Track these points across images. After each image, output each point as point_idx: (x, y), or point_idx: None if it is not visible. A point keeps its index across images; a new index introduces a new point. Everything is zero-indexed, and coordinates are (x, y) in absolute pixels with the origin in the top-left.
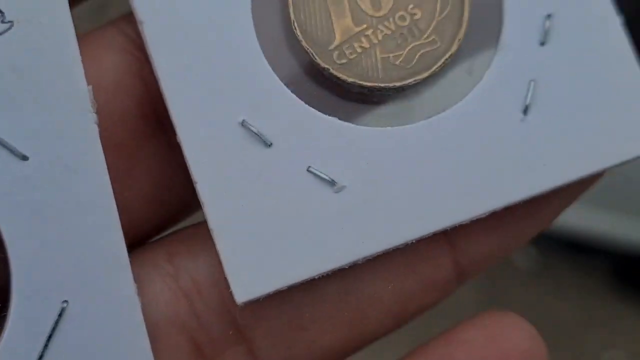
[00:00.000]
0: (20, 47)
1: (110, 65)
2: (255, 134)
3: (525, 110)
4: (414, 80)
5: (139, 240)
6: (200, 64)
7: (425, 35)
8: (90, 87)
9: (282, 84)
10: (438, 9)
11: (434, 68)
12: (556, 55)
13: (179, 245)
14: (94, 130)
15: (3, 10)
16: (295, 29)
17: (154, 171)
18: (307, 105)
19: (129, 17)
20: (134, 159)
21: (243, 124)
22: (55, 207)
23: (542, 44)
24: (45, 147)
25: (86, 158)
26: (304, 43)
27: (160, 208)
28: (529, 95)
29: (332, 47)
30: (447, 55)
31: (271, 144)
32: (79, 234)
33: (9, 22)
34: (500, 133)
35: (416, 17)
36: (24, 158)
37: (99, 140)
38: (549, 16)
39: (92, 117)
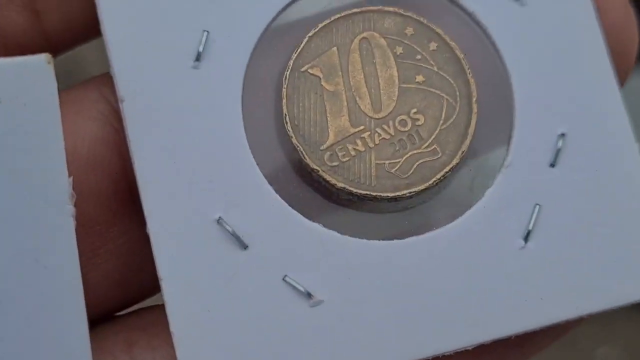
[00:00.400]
0: (0, 128)
1: (87, 136)
2: (231, 234)
3: (527, 237)
4: (409, 192)
5: (100, 316)
6: (179, 151)
7: (426, 144)
8: (71, 178)
9: (265, 181)
10: (443, 116)
11: (431, 181)
12: (565, 178)
13: (139, 334)
14: (70, 224)
15: None
16: (286, 123)
17: (123, 251)
18: (290, 207)
19: (112, 78)
20: (102, 237)
21: (219, 221)
22: (19, 302)
23: (552, 165)
24: (14, 238)
25: (58, 253)
26: (294, 139)
27: (126, 288)
28: (533, 220)
29: (324, 147)
30: (447, 168)
31: (247, 246)
32: (42, 331)
33: None
34: (497, 259)
35: (418, 123)
36: None
37: (74, 235)
38: (562, 135)
39: (70, 210)
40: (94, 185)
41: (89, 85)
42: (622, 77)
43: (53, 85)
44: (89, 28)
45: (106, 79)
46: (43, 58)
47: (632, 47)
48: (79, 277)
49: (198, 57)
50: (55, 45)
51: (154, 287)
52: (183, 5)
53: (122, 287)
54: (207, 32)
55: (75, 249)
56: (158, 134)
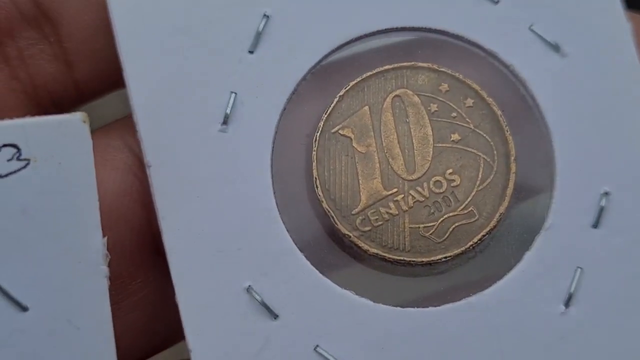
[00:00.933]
0: (35, 188)
1: (111, 187)
2: (261, 303)
3: (568, 302)
4: (445, 257)
5: None
6: (207, 218)
7: (462, 206)
8: (105, 238)
9: (295, 248)
10: (480, 176)
11: (468, 245)
12: (609, 240)
13: None
14: (104, 285)
15: (20, 146)
16: (317, 187)
17: (147, 302)
18: (320, 275)
19: (133, 123)
20: (125, 290)
21: (248, 290)
22: None
23: (595, 226)
24: (48, 299)
25: (91, 315)
26: (324, 204)
27: (150, 338)
28: (574, 284)
29: (356, 211)
30: (484, 232)
31: (277, 316)
32: None
33: (25, 159)
34: (537, 326)
35: (454, 184)
36: (24, 309)
37: (107, 297)
38: (605, 194)
39: (103, 271)
40: (118, 238)
41: (111, 132)
42: None
43: (88, 144)
44: (119, 78)
45: (128, 125)
46: (79, 117)
47: None
48: (112, 339)
49: (225, 120)
50: (84, 94)
51: (178, 335)
52: (210, 66)
53: (146, 337)
54: (235, 93)
55: (108, 310)
56: (185, 200)
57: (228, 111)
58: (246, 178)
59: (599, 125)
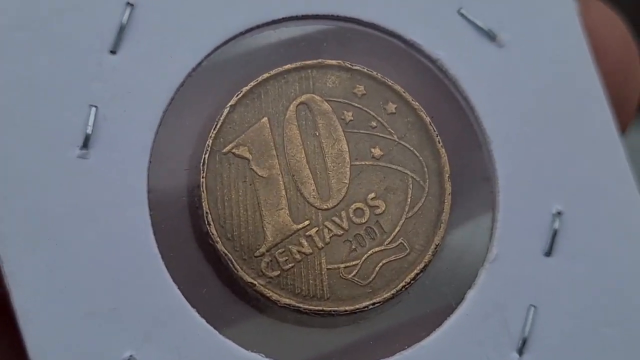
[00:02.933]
0: None
1: None
2: None
3: (522, 348)
4: (373, 304)
5: None
6: (68, 271)
7: (389, 239)
8: None
9: (185, 303)
10: (409, 200)
11: (399, 286)
12: (564, 269)
13: None
14: None
15: None
16: (208, 224)
17: None
18: (220, 335)
19: None
20: None
21: None
22: None
23: (547, 253)
24: None
25: None
26: (220, 246)
27: None
28: (528, 326)
29: (260, 251)
30: (418, 268)
31: None
32: None
33: None
34: None
35: (378, 211)
36: None
37: None
38: (558, 214)
39: None
40: None
41: None
42: (622, 129)
43: None
44: None
45: None
46: None
47: (635, 93)
48: None
49: (86, 143)
50: None
51: None
52: (61, 72)
53: None
54: (96, 107)
55: None
56: (39, 249)
57: (88, 131)
58: (116, 216)
59: (547, 130)
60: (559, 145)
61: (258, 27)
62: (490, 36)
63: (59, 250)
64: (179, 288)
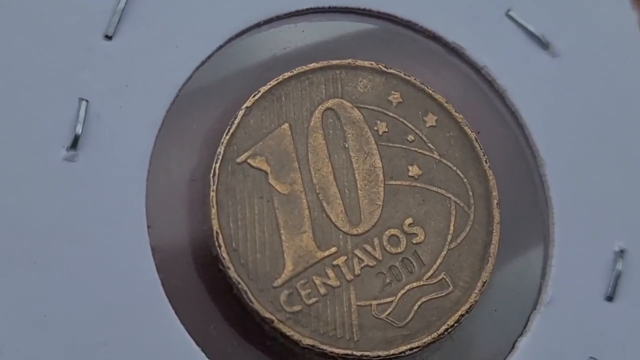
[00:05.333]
0: None
1: None
2: None
3: None
4: (410, 349)
5: None
6: (49, 297)
7: (429, 273)
8: None
9: (191, 341)
10: (452, 229)
11: (441, 329)
12: (628, 316)
13: None
14: None
15: None
16: (218, 246)
17: None
18: None
19: None
20: None
21: None
22: None
23: (610, 298)
24: None
25: None
26: (232, 272)
27: None
28: None
29: (279, 282)
30: (463, 309)
31: None
32: None
33: None
34: None
35: (416, 240)
36: None
37: None
38: (621, 252)
39: None
40: None
41: None
42: None
43: None
44: None
45: None
46: None
47: None
48: None
49: (74, 143)
50: None
51: None
52: (45, 59)
53: None
54: (86, 101)
55: None
56: (14, 270)
57: (78, 129)
58: (108, 233)
59: (608, 153)
60: (622, 171)
61: (279, 18)
62: (543, 43)
63: (39, 272)
64: (181, 322)
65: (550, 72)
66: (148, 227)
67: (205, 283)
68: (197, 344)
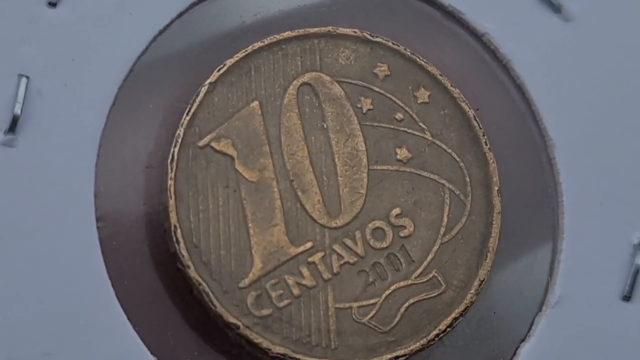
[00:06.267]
0: None
1: None
2: None
3: None
4: (396, 357)
5: None
6: None
7: (419, 270)
8: None
9: (145, 350)
10: (445, 220)
11: (432, 334)
12: None
13: None
14: None
15: None
16: (177, 242)
17: None
18: None
19: None
20: None
21: None
22: None
23: (627, 297)
24: None
25: None
26: (192, 271)
27: None
28: None
29: (245, 282)
30: (457, 311)
31: None
32: None
33: None
34: None
35: (404, 233)
36: None
37: None
38: None
39: None
40: None
41: None
42: None
43: None
44: None
45: None
46: None
47: None
48: None
49: (13, 126)
50: None
51: None
52: None
53: None
54: (27, 77)
55: None
56: None
57: (17, 110)
58: (51, 227)
59: (625, 132)
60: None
61: None
62: (553, 6)
63: None
64: (134, 328)
65: (562, 38)
66: (97, 220)
67: (162, 284)
68: (152, 353)
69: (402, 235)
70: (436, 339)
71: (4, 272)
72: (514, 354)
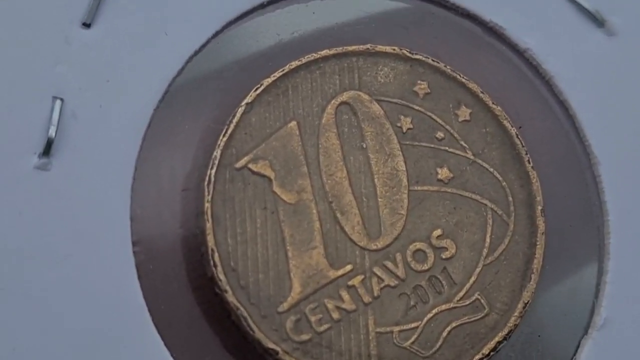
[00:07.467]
0: None
1: None
2: None
3: None
4: None
5: None
6: (20, 328)
7: (461, 293)
8: None
9: None
10: (487, 241)
11: (475, 358)
12: None
13: None
14: None
15: None
16: (214, 266)
17: None
18: None
19: None
20: None
21: None
22: None
23: None
24: None
25: None
26: (229, 296)
27: None
28: None
29: (284, 307)
30: (500, 335)
31: None
32: None
33: None
34: None
35: (446, 254)
36: None
37: None
38: None
39: None
40: None
41: None
42: None
43: None
44: None
45: None
46: None
47: None
48: None
49: (47, 149)
50: None
51: None
52: (15, 50)
53: None
54: (61, 100)
55: None
56: None
57: (51, 132)
58: (86, 252)
59: None
60: None
61: None
62: (597, 20)
63: (6, 299)
64: (171, 354)
65: (606, 53)
66: (133, 245)
67: (199, 308)
68: None
69: (443, 257)
70: None
71: (40, 298)
72: None
